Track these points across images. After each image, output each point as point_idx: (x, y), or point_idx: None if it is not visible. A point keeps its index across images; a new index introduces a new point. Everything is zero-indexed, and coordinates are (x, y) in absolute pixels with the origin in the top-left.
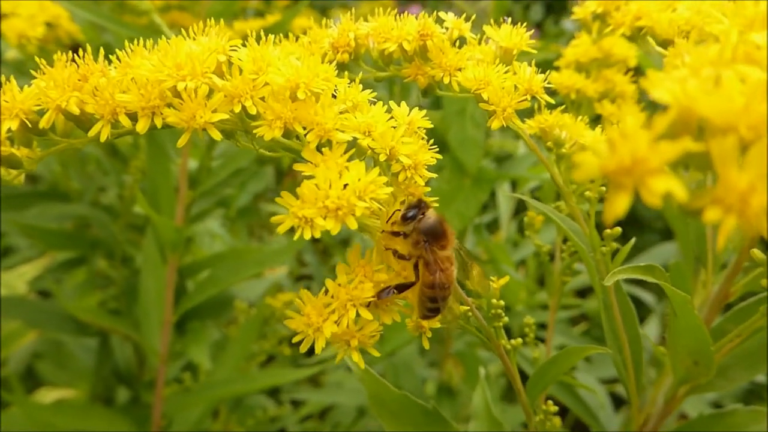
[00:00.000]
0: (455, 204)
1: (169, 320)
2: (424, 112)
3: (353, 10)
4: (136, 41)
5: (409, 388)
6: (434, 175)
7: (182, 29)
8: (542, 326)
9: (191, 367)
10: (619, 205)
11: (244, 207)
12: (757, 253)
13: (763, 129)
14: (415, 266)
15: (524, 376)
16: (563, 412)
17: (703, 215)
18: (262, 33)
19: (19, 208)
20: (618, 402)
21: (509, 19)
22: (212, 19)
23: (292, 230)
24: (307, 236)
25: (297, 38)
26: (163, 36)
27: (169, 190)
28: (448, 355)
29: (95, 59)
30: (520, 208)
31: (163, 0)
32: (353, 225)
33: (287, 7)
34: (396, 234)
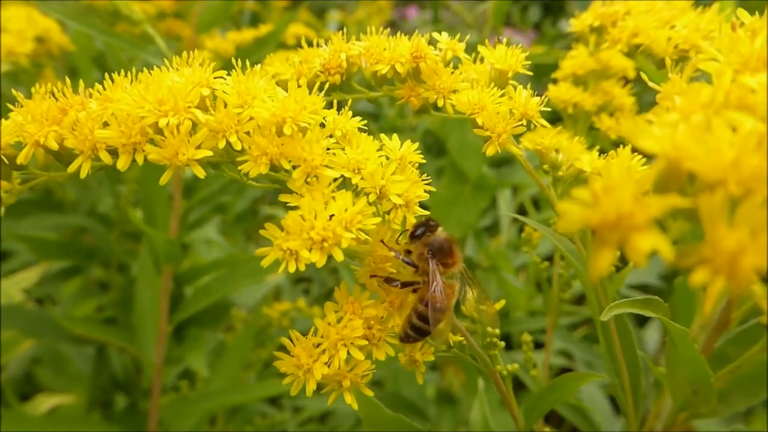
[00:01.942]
0: (455, 211)
1: (164, 330)
2: (417, 145)
3: (350, 12)
4: (127, 53)
5: (409, 395)
6: (426, 212)
7: (165, 59)
8: (542, 330)
9: (189, 373)
10: (602, 262)
11: (241, 212)
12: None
13: (753, 184)
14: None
15: (522, 385)
16: (560, 419)
17: (690, 277)
18: (253, 42)
19: (16, 216)
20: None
21: (504, 39)
22: (204, 27)
23: None
24: (292, 269)
25: (296, 45)
26: (154, 44)
27: (164, 199)
28: (449, 362)
29: (82, 80)
30: (520, 212)
31: (156, 1)
32: (339, 257)
33: (286, 8)
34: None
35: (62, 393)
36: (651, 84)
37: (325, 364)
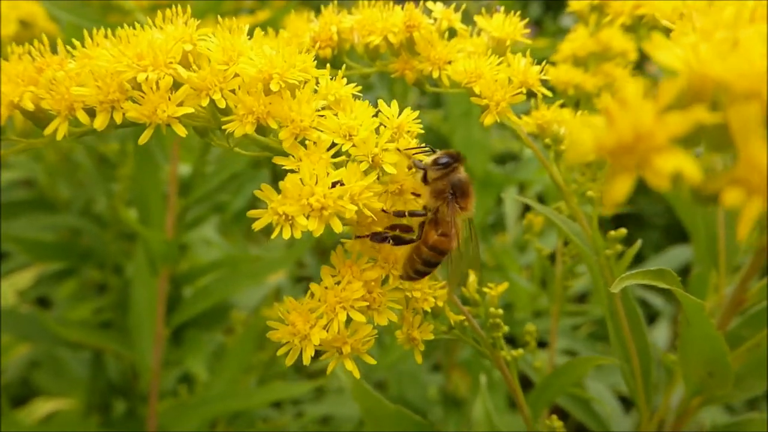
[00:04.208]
0: None
1: (161, 333)
2: (417, 113)
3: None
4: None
5: (413, 397)
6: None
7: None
8: (547, 331)
9: (188, 376)
10: (619, 189)
11: (240, 211)
12: None
13: None
14: (420, 225)
15: (529, 383)
16: (564, 415)
17: (720, 199)
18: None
19: (9, 217)
20: (627, 403)
21: (501, 8)
22: (197, 17)
23: (293, 236)
24: (286, 235)
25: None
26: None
27: (159, 198)
28: (455, 365)
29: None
30: (527, 210)
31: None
32: (339, 228)
33: (284, 7)
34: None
35: (60, 397)
36: (664, 22)
37: (324, 328)
